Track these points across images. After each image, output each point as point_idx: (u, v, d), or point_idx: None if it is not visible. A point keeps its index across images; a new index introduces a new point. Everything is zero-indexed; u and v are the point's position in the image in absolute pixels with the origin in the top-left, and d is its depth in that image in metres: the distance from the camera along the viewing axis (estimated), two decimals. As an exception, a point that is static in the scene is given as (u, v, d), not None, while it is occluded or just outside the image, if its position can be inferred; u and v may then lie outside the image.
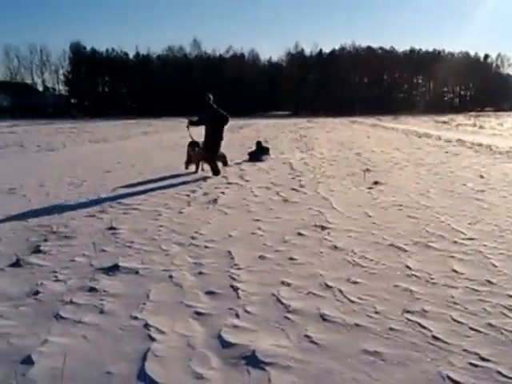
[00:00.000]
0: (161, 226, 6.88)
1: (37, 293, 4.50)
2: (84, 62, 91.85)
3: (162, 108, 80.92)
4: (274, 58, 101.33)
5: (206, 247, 5.83)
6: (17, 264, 5.34)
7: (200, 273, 4.95)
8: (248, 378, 3.07)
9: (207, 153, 12.28)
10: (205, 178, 11.47)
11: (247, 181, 11.02)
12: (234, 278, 4.77)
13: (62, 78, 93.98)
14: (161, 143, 23.42)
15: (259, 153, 15.53)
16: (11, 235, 6.60)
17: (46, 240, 6.28)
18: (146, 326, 3.78)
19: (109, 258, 5.47)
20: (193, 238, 6.25)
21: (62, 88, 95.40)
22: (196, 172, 12.47)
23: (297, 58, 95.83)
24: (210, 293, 4.42)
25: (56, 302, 4.29)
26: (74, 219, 7.46)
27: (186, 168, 12.65)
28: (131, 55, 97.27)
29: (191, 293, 4.44)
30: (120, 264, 5.23)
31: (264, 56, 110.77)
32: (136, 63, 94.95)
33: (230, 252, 5.61)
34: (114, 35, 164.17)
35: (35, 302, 4.32)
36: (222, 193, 9.50)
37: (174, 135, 28.63)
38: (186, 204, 8.47)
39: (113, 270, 5.10)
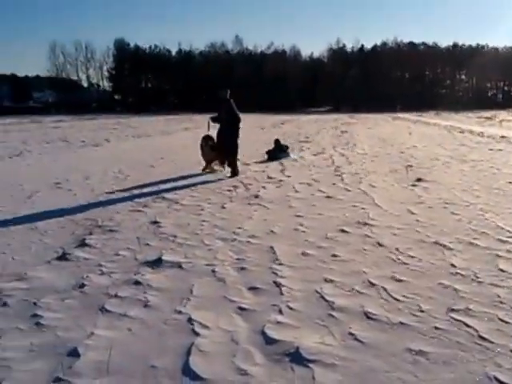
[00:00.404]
0: (203, 221, 6.92)
1: (82, 286, 4.58)
2: (127, 58, 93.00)
3: (204, 104, 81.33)
4: (316, 54, 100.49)
5: (248, 242, 5.84)
6: (63, 257, 5.46)
7: (243, 268, 4.95)
8: (292, 375, 3.04)
9: (221, 151, 11.66)
10: (246, 174, 11.45)
11: (288, 176, 10.98)
12: (276, 274, 4.75)
13: (106, 74, 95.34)
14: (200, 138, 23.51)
15: (278, 151, 14.86)
16: (57, 229, 6.75)
17: (91, 234, 6.39)
18: (190, 320, 3.80)
19: (153, 252, 5.53)
20: (235, 233, 6.26)
21: (105, 84, 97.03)
22: (204, 170, 11.98)
23: (338, 54, 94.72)
24: (253, 288, 4.42)
25: (101, 295, 4.36)
26: (119, 213, 7.57)
27: (204, 169, 12.05)
28: (174, 52, 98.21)
29: (234, 288, 4.44)
30: (164, 258, 5.28)
31: (305, 52, 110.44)
32: (178, 60, 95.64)
33: (272, 248, 5.59)
34: (157, 32, 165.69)
35: (81, 294, 4.39)
36: (264, 188, 9.50)
37: (215, 131, 28.76)
38: (228, 199, 8.49)
39: (157, 263, 5.16)
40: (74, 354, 3.30)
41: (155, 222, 6.90)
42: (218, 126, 11.76)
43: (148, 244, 5.87)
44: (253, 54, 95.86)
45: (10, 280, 4.73)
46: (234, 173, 11.32)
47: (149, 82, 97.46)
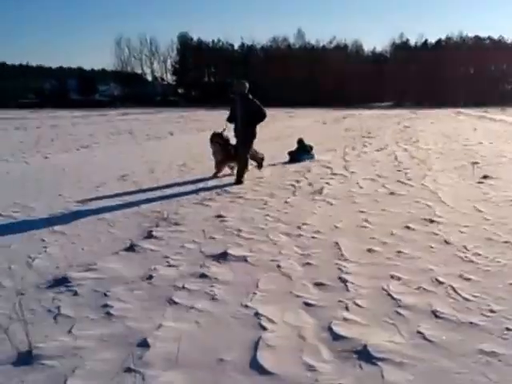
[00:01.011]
0: (267, 216, 6.92)
1: (150, 277, 4.67)
2: (191, 52, 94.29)
3: (264, 98, 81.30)
4: (378, 49, 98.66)
5: (313, 238, 5.80)
6: (131, 248, 5.59)
7: (308, 263, 4.93)
8: (361, 373, 3.01)
9: (235, 153, 10.29)
10: (309, 169, 11.37)
11: (352, 172, 10.82)
12: (342, 270, 4.71)
13: (169, 67, 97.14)
14: (263, 132, 23.52)
15: (301, 152, 13.45)
16: (124, 220, 6.93)
17: (157, 226, 6.52)
18: (257, 314, 3.81)
19: (218, 246, 5.58)
20: (300, 228, 6.24)
21: (169, 78, 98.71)
22: (215, 176, 10.50)
23: (401, 49, 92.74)
24: (318, 284, 4.39)
25: (169, 287, 4.44)
26: (183, 206, 7.69)
27: (216, 174, 10.61)
28: (236, 46, 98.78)
29: (300, 283, 4.43)
30: (229, 252, 5.32)
31: (368, 47, 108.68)
32: (240, 54, 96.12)
33: (337, 243, 5.54)
34: (220, 26, 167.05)
35: (149, 286, 4.49)
36: (327, 183, 9.41)
37: (278, 125, 28.77)
38: (291, 194, 8.47)
39: (222, 257, 5.20)
40: (144, 344, 3.38)
41: (219, 216, 6.96)
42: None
43: (213, 237, 5.93)
44: (314, 49, 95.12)
45: (80, 270, 4.89)
46: (239, 180, 9.81)
47: (211, 75, 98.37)
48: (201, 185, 9.54)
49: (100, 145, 18.00)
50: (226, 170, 10.84)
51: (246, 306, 3.99)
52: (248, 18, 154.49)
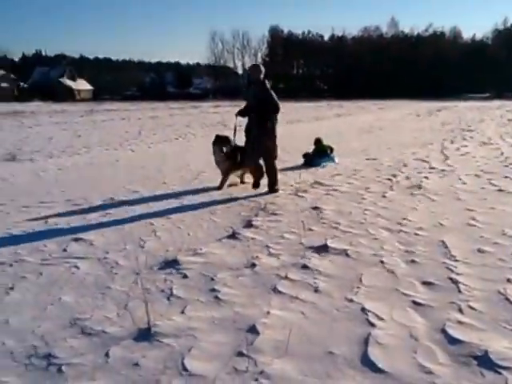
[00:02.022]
0: (366, 210, 6.74)
1: (253, 265, 4.67)
2: (281, 45, 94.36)
3: (354, 90, 79.98)
4: (479, 36, 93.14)
5: (416, 235, 5.56)
6: (233, 236, 5.63)
7: (413, 261, 4.72)
8: (482, 380, 2.82)
9: (246, 157, 8.33)
10: (405, 163, 10.99)
11: (452, 167, 10.30)
12: (451, 270, 4.46)
13: (259, 61, 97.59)
14: (354, 125, 23.17)
15: (318, 155, 11.32)
16: (225, 209, 7.01)
17: (256, 215, 6.53)
18: (363, 310, 3.69)
19: (317, 238, 5.49)
20: (400, 223, 6.02)
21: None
22: (219, 188, 8.35)
23: (505, 36, 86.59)
24: (426, 283, 4.18)
25: (272, 275, 4.41)
26: (279, 197, 7.67)
27: (221, 186, 8.46)
28: (326, 37, 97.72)
29: (406, 281, 4.25)
30: (329, 244, 5.22)
31: (467, 34, 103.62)
32: (330, 45, 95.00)
33: (443, 242, 5.26)
34: (311, 17, 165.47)
35: (252, 273, 4.49)
36: (426, 178, 9.02)
37: (368, 117, 28.23)
38: (389, 188, 8.20)
39: (322, 249, 5.11)
40: (253, 331, 3.37)
41: (316, 208, 6.87)
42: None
43: (311, 229, 5.85)
44: (408, 37, 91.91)
45: (188, 254, 4.98)
46: (274, 188, 8.10)
47: (300, 68, 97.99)
48: (293, 176, 9.45)
49: (196, 135, 18.38)
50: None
51: (351, 301, 3.88)
52: (339, 7, 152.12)
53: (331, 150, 11.69)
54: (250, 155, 8.16)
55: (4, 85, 78.97)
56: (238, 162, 8.37)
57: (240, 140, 8.47)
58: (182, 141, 16.71)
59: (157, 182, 8.99)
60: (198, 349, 3.14)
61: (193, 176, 9.61)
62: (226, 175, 8.42)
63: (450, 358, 3.03)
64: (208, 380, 2.80)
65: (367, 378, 2.85)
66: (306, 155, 11.36)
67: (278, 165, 8.38)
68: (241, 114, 8.18)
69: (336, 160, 11.40)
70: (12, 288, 4.21)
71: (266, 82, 7.97)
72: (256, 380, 2.80)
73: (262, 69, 8.06)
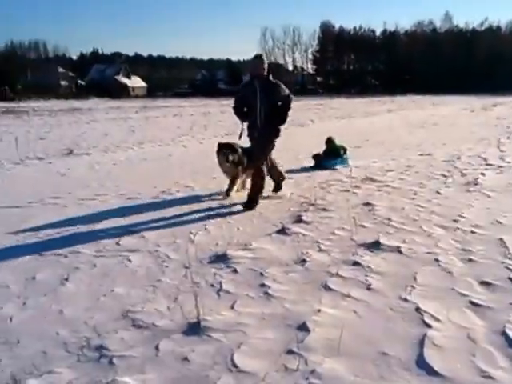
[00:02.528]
0: (419, 206, 6.53)
1: (304, 261, 4.57)
2: (331, 40, 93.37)
3: (406, 85, 78.23)
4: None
5: (472, 232, 5.32)
6: (282, 231, 5.54)
7: (470, 260, 4.50)
8: (547, 389, 2.64)
9: (250, 162, 7.28)
10: (459, 158, 10.61)
11: (509, 163, 9.89)
12: (511, 270, 4.22)
13: (310, 57, 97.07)
14: (407, 121, 22.65)
15: (329, 156, 10.20)
16: (274, 204, 6.93)
17: (306, 211, 6.41)
18: (418, 309, 3.54)
19: (369, 234, 5.34)
20: (456, 221, 5.78)
21: (309, 67, 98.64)
22: (227, 195, 7.46)
23: None
24: (485, 283, 3.97)
25: (322, 272, 4.30)
26: (330, 192, 7.53)
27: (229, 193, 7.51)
28: (378, 32, 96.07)
29: (463, 281, 4.05)
30: (381, 241, 5.06)
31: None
32: (382, 40, 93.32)
33: (501, 240, 5.00)
34: (363, 12, 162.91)
35: (303, 269, 4.39)
36: (482, 174, 8.68)
37: (421, 113, 27.57)
38: (443, 184, 7.92)
39: (374, 246, 4.95)
40: (304, 328, 3.27)
41: (368, 204, 6.70)
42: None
43: (363, 225, 5.69)
44: (463, 32, 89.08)
45: (237, 249, 4.93)
46: (251, 203, 6.75)
47: (351, 63, 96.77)
48: (343, 172, 9.26)
49: (245, 132, 18.33)
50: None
51: (405, 300, 3.72)
52: (392, 1, 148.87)
53: (344, 150, 10.52)
54: (258, 156, 6.96)
55: (63, 83, 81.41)
56: (246, 166, 7.44)
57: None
58: (232, 137, 16.68)
59: (207, 177, 8.99)
60: (247, 345, 3.07)
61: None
62: (233, 181, 7.53)
63: (511, 363, 2.86)
64: (257, 378, 2.72)
65: (422, 381, 2.71)
66: (316, 156, 10.27)
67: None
68: (241, 115, 7.03)
69: (349, 162, 10.26)
70: (67, 279, 4.27)
71: (271, 77, 6.80)
72: (307, 379, 2.70)
73: (266, 62, 6.85)
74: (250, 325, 3.32)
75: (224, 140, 8.06)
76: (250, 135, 7.03)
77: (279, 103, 6.85)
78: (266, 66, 6.79)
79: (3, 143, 15.24)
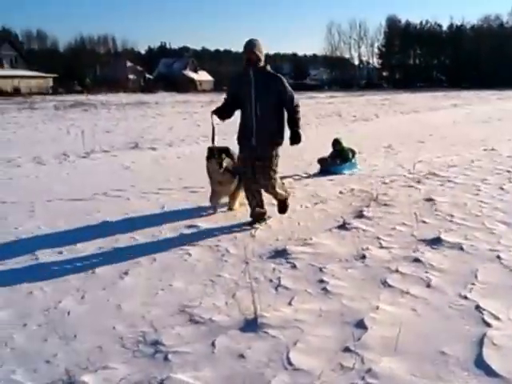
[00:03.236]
0: (482, 202, 6.27)
1: (363, 257, 4.47)
2: (398, 35, 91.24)
3: (472, 80, 75.28)
4: None
5: (538, 229, 5.05)
6: (343, 227, 5.44)
7: (535, 258, 4.28)
8: None
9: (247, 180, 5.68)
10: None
11: None
12: None
13: (376, 51, 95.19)
14: (472, 115, 21.80)
15: (336, 160, 8.90)
16: (336, 199, 6.83)
17: (367, 206, 6.28)
18: (478, 308, 3.39)
19: (430, 230, 5.17)
20: (520, 217, 5.50)
21: (375, 61, 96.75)
22: (230, 209, 6.32)
23: None
24: (550, 283, 3.76)
25: (382, 268, 4.20)
26: (392, 188, 7.34)
27: (212, 202, 6.28)
28: (445, 26, 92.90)
29: (527, 279, 3.85)
30: (442, 237, 4.88)
31: None
32: (448, 35, 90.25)
33: None
34: (430, 6, 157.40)
35: (362, 265, 4.30)
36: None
37: (487, 108, 26.44)
38: (508, 180, 7.57)
39: (435, 242, 4.79)
40: (361, 326, 3.19)
41: (430, 200, 6.49)
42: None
43: (424, 221, 5.51)
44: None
45: (297, 244, 4.88)
46: (257, 214, 5.70)
47: (417, 58, 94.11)
48: (407, 166, 9.00)
49: (311, 126, 18.20)
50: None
51: (466, 298, 3.57)
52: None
53: (353, 153, 9.18)
54: (267, 176, 5.48)
55: (132, 77, 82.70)
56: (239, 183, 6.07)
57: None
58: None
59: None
60: (303, 342, 3.01)
61: (306, 165, 9.48)
62: (234, 196, 6.26)
63: None
64: (313, 376, 2.66)
65: (481, 382, 2.59)
66: (321, 160, 8.97)
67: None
68: (219, 113, 5.55)
69: (358, 166, 9.05)
70: (126, 273, 4.27)
71: (269, 68, 5.48)
72: (363, 378, 2.62)
73: (262, 48, 5.38)
74: (307, 321, 3.27)
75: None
76: (242, 144, 5.61)
77: (284, 106, 5.48)
78: (261, 52, 5.35)
79: (70, 136, 15.52)
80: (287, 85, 5.49)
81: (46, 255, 4.78)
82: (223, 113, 5.57)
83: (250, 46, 5.32)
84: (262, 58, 5.39)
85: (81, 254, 4.82)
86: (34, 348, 3.06)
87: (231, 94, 5.63)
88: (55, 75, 66.23)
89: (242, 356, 2.88)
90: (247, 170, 5.55)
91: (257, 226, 5.53)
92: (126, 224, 5.77)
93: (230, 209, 6.33)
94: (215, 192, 6.17)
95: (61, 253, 4.84)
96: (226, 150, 6.09)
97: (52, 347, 3.05)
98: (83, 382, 2.66)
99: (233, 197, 6.28)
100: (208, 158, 6.01)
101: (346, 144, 9.23)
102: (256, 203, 5.67)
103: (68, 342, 3.11)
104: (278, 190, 5.68)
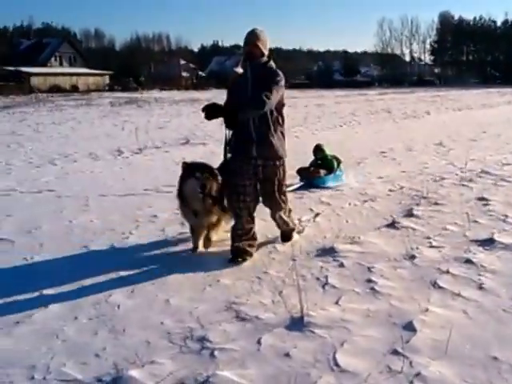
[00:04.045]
0: (537, 202, 5.98)
1: (413, 257, 4.33)
2: (450, 31, 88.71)
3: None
4: None
5: None
6: (392, 225, 5.30)
7: None
8: None
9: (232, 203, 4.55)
10: None
11: None
12: None
13: (428, 47, 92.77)
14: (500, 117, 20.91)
15: (319, 170, 7.47)
16: (385, 196, 6.67)
17: (417, 204, 6.09)
18: (531, 313, 3.22)
19: (482, 231, 4.97)
20: None
21: (427, 58, 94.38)
22: (194, 250, 4.72)
23: None
24: None
25: (432, 269, 4.05)
26: (443, 186, 7.11)
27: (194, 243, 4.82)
28: (499, 22, 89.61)
29: None
30: (495, 238, 4.69)
31: None
32: (503, 30, 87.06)
33: None
34: (482, 1, 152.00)
35: (412, 265, 4.16)
36: None
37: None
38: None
39: (488, 243, 4.60)
40: (410, 328, 3.07)
41: (482, 199, 6.25)
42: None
43: (476, 221, 5.30)
44: None
45: (345, 242, 4.78)
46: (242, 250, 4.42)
47: (470, 54, 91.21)
48: (458, 165, 8.68)
49: (360, 122, 17.94)
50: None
51: (520, 301, 3.40)
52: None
53: (338, 162, 7.73)
54: (276, 194, 4.56)
55: (185, 74, 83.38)
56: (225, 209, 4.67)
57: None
58: (346, 128, 16.40)
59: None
60: (350, 343, 2.92)
61: (355, 163, 9.32)
62: (213, 229, 4.72)
63: None
64: (359, 378, 2.58)
65: (537, 392, 2.46)
66: (301, 171, 7.49)
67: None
68: (212, 110, 4.34)
69: (344, 178, 7.64)
70: (175, 268, 4.24)
71: (272, 64, 4.46)
72: (411, 383, 2.52)
73: (266, 39, 4.42)
74: (354, 321, 3.18)
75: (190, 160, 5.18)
76: (236, 152, 4.51)
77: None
78: (265, 46, 4.41)
79: (124, 132, 15.69)
80: (278, 87, 4.31)
81: (97, 248, 4.86)
82: (229, 118, 4.32)
83: (253, 37, 4.35)
84: (266, 53, 4.43)
85: (133, 248, 4.87)
86: (83, 341, 3.09)
87: (228, 98, 4.64)
88: (111, 73, 67.73)
89: (287, 355, 2.82)
90: (240, 190, 4.40)
91: (239, 260, 4.33)
92: (176, 219, 5.70)
93: (194, 250, 4.69)
94: (192, 228, 4.73)
95: (112, 246, 4.91)
96: (209, 169, 4.56)
97: (101, 341, 3.07)
98: (131, 376, 2.66)
99: (211, 230, 4.71)
100: (185, 176, 4.51)
101: (329, 151, 7.84)
102: (242, 233, 4.46)
103: (117, 336, 3.12)
104: (286, 218, 4.75)
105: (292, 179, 7.08)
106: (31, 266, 4.44)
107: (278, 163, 4.49)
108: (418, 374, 2.59)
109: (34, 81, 56.57)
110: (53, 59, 67.11)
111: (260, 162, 4.39)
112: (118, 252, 4.77)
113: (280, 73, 4.39)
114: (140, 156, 11.19)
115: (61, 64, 67.65)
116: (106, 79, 67.22)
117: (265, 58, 4.43)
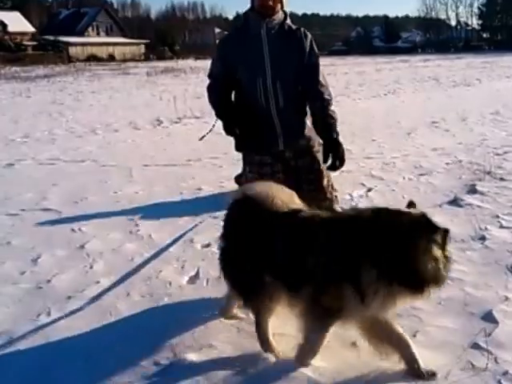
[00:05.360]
0: None
1: (483, 238, 4.01)
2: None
3: None
4: None
5: None
6: (454, 202, 4.97)
7: None
8: None
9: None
10: None
11: None
12: None
13: (475, 11, 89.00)
14: None
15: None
16: (443, 171, 6.30)
17: (480, 180, 5.72)
18: None
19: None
20: None
21: (474, 22, 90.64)
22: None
23: None
24: None
25: (506, 252, 3.72)
26: (507, 160, 6.68)
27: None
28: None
29: None
30: None
31: None
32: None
33: None
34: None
35: (482, 247, 3.85)
36: None
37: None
38: None
39: None
40: (490, 319, 2.80)
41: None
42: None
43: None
44: None
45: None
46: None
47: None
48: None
49: (405, 91, 17.28)
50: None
51: None
52: None
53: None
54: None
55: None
56: None
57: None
58: (391, 96, 15.81)
59: (366, 139, 8.45)
60: (423, 334, 2.68)
61: (404, 133, 8.92)
62: None
63: None
64: (439, 374, 2.32)
65: None
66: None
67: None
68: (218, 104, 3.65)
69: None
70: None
71: (290, 22, 3.41)
72: (498, 382, 2.27)
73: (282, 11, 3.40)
74: (425, 310, 2.90)
75: None
76: (256, 149, 3.67)
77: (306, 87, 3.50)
78: (284, 15, 3.40)
79: (162, 102, 15.49)
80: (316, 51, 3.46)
81: (144, 222, 4.74)
82: (217, 105, 3.65)
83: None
84: (285, 7, 3.41)
85: (178, 222, 4.70)
86: (136, 320, 2.98)
87: (222, 69, 3.51)
88: (147, 42, 67.73)
89: (354, 344, 2.60)
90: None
91: None
92: (219, 192, 5.55)
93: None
94: None
95: (158, 219, 4.77)
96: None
97: (155, 320, 2.95)
98: (188, 359, 2.53)
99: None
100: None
101: None
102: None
103: (171, 316, 2.98)
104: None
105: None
106: (79, 238, 4.35)
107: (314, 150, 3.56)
108: (505, 373, 2.34)
109: (73, 50, 57.12)
110: (90, 29, 67.75)
111: (288, 154, 3.52)
112: (164, 226, 4.62)
113: (308, 33, 3.45)
114: (179, 125, 11.06)
115: (98, 33, 68.13)
116: (142, 48, 67.38)
117: (281, 15, 3.38)
